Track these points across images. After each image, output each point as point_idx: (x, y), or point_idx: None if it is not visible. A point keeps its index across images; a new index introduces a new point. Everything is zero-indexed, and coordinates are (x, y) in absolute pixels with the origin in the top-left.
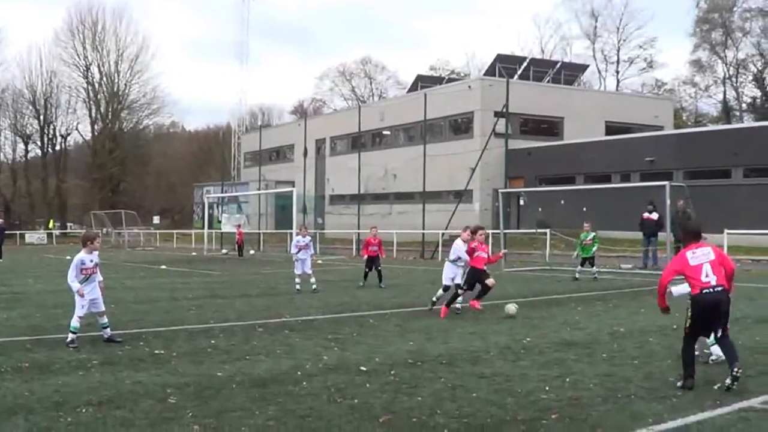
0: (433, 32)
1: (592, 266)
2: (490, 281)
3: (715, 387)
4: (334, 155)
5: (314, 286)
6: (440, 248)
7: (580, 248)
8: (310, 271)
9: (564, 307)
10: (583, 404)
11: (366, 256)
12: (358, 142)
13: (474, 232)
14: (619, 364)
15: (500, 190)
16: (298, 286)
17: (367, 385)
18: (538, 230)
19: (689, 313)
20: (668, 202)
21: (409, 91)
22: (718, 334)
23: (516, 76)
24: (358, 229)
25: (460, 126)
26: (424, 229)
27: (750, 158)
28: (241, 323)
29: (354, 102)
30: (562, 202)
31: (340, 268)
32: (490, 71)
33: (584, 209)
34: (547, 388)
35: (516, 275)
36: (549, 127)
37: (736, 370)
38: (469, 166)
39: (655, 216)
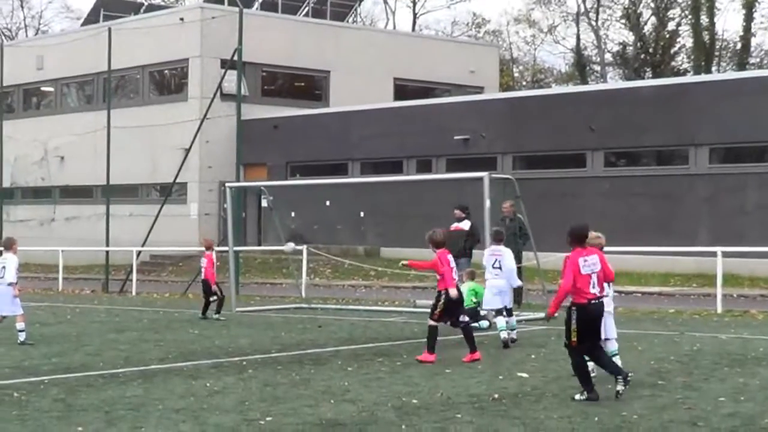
0: None
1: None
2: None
3: None
4: None
5: None
6: (134, 276)
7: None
8: None
9: (327, 366)
10: None
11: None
12: (1, 103)
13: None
14: None
15: (229, 184)
16: None
17: None
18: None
19: (574, 325)
20: (488, 203)
21: (86, 23)
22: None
23: (256, 5)
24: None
25: (168, 82)
26: (108, 245)
27: (615, 137)
28: None
29: None
30: (328, 203)
31: None
32: None
33: (361, 214)
34: None
35: (254, 318)
36: (307, 86)
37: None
38: (182, 145)
39: (466, 225)
